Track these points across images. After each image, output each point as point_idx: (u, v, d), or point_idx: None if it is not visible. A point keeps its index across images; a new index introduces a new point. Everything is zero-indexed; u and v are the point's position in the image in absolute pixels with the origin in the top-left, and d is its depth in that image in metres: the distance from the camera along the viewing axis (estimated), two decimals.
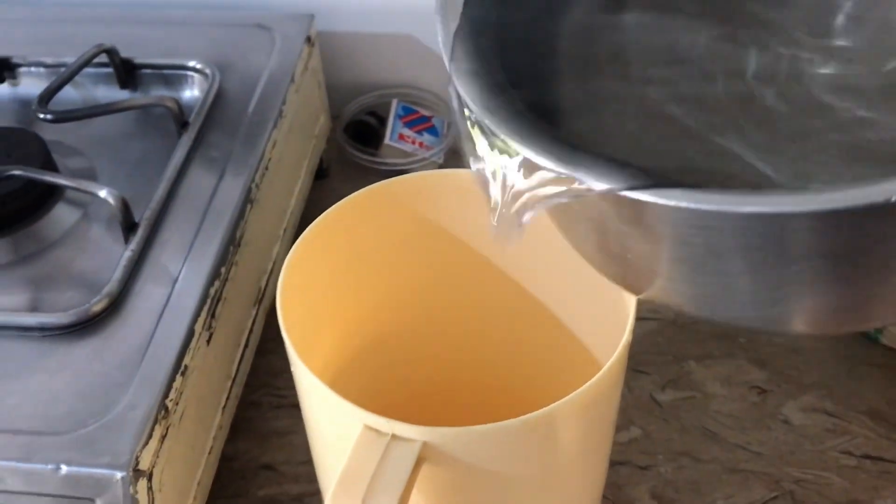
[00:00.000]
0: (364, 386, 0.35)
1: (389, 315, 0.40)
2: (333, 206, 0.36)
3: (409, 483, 0.27)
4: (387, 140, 0.62)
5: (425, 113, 0.64)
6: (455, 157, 0.64)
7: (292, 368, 0.33)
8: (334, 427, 0.31)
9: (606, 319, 0.36)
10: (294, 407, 0.50)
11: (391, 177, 0.63)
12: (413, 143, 0.62)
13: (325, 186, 0.62)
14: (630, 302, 0.32)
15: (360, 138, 0.63)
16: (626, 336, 0.30)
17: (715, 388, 0.50)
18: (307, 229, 0.36)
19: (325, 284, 0.37)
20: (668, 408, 0.49)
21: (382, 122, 0.64)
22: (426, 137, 0.63)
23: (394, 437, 0.27)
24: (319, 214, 0.60)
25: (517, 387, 0.39)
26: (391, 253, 0.39)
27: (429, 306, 0.39)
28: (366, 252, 0.38)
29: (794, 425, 0.48)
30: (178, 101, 0.49)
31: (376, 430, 0.28)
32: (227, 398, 0.45)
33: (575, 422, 0.30)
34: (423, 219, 0.37)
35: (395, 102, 0.64)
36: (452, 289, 0.37)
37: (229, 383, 0.45)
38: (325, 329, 0.38)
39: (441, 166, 0.63)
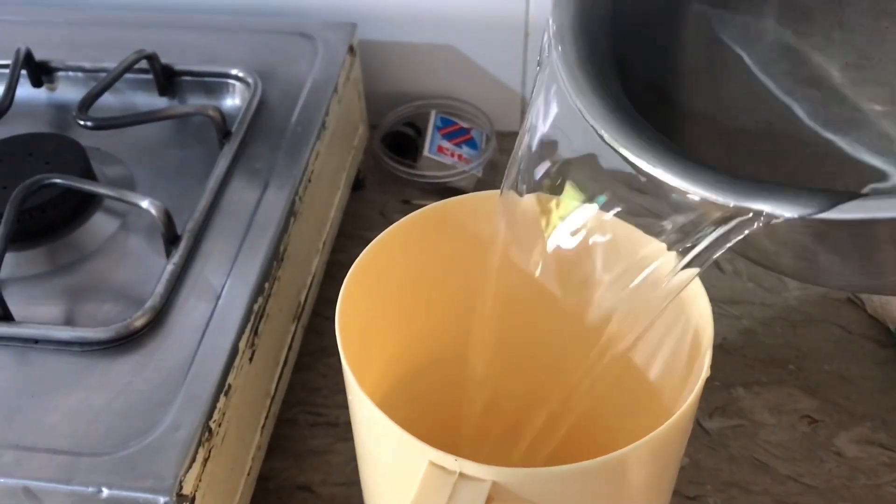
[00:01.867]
0: (411, 411, 0.34)
1: (440, 339, 0.39)
2: (391, 227, 0.35)
3: None
4: (426, 152, 0.61)
5: (464, 125, 0.63)
6: (494, 170, 0.62)
7: (349, 396, 0.31)
8: (394, 460, 0.29)
9: (669, 349, 0.34)
10: (331, 425, 0.49)
11: (430, 190, 0.63)
12: (452, 155, 0.61)
13: (361, 198, 0.61)
14: (705, 335, 0.30)
15: (398, 149, 0.62)
16: (704, 372, 0.29)
17: (764, 417, 0.49)
18: (364, 251, 0.34)
19: (379, 306, 0.36)
20: (716, 436, 0.48)
21: (420, 133, 0.63)
22: (465, 150, 0.62)
23: (461, 475, 0.26)
24: (356, 227, 0.60)
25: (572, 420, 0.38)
26: (447, 275, 0.37)
27: (491, 328, 0.38)
28: (421, 273, 0.37)
29: (848, 458, 0.47)
30: (220, 111, 0.48)
31: (442, 468, 0.26)
32: (266, 417, 0.44)
33: (649, 462, 0.29)
34: (482, 241, 0.36)
35: (433, 114, 0.63)
36: (509, 313, 0.36)
37: (268, 401, 0.44)
38: (375, 351, 0.37)
39: (480, 180, 0.62)
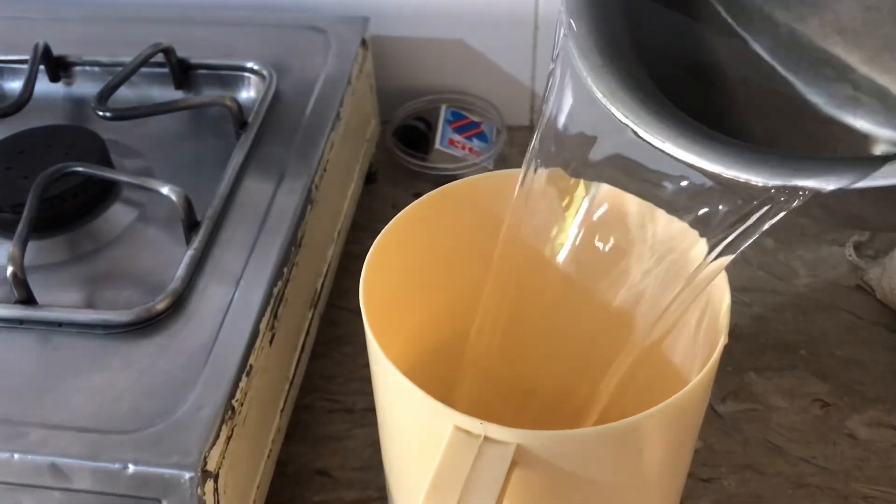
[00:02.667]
0: (433, 386, 0.34)
1: (461, 316, 0.39)
2: (413, 203, 0.35)
3: (503, 487, 0.26)
4: (437, 145, 0.62)
5: (475, 119, 0.64)
6: (505, 163, 0.63)
7: (373, 367, 0.32)
8: (418, 427, 0.30)
9: (688, 329, 0.35)
10: (348, 411, 0.50)
11: (441, 182, 0.63)
12: (463, 148, 0.62)
13: (374, 191, 0.62)
14: (722, 305, 0.31)
15: (409, 143, 0.63)
16: (722, 339, 0.29)
17: (777, 401, 0.49)
18: (386, 227, 0.35)
19: (401, 282, 0.37)
20: (730, 420, 0.48)
21: (430, 127, 0.64)
22: (476, 143, 0.63)
23: (486, 439, 0.27)
24: (369, 219, 0.60)
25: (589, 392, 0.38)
26: (467, 252, 0.38)
27: (502, 307, 0.38)
28: (442, 249, 0.38)
29: (860, 440, 0.47)
30: (237, 101, 0.49)
31: (467, 432, 0.27)
32: (285, 401, 0.44)
33: (669, 427, 0.29)
34: (502, 219, 0.36)
35: (444, 108, 0.64)
36: (526, 290, 0.37)
37: (287, 386, 0.45)
38: (397, 326, 0.37)
39: None
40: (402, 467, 0.34)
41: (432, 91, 0.65)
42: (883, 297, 0.53)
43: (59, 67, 0.55)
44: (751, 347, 0.52)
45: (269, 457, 0.42)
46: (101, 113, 0.48)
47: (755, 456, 0.47)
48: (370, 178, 0.61)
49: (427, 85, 0.65)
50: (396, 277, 0.36)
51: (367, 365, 0.51)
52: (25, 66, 0.53)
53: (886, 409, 0.48)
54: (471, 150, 0.62)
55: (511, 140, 0.64)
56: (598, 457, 0.28)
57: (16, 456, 0.35)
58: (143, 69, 0.53)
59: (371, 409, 0.49)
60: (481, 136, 0.63)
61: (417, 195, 0.62)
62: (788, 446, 0.47)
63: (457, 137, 0.62)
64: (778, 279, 0.55)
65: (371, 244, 0.35)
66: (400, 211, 0.36)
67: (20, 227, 0.41)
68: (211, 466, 0.35)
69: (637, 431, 0.28)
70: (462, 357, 0.40)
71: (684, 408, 0.29)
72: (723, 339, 0.29)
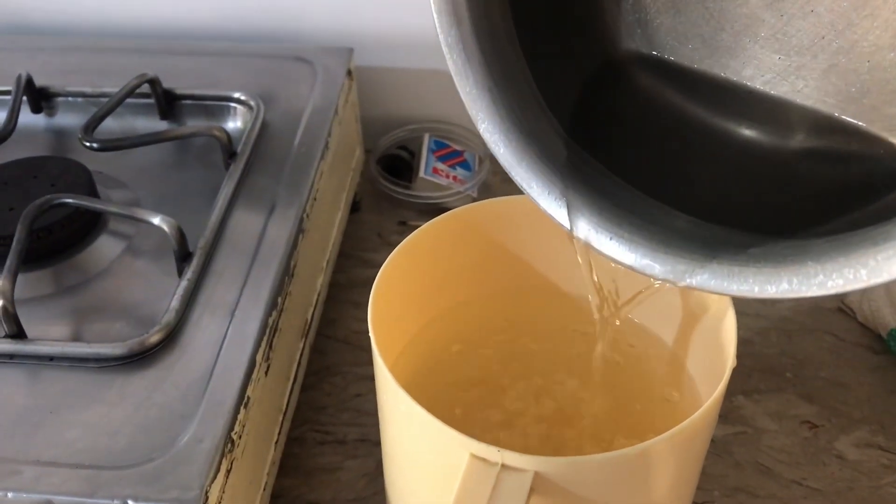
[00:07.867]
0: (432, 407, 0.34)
1: (458, 338, 0.39)
2: (415, 232, 0.35)
3: None
4: (421, 174, 0.62)
5: (457, 147, 0.64)
6: (488, 191, 0.63)
7: (382, 395, 0.32)
8: (432, 455, 0.30)
9: (696, 355, 0.35)
10: (339, 443, 0.49)
11: (425, 210, 0.64)
12: (447, 176, 0.62)
13: (358, 220, 0.61)
14: (729, 331, 0.31)
15: (392, 172, 0.63)
16: (731, 361, 0.29)
17: (766, 423, 0.50)
18: (393, 252, 0.35)
19: (404, 307, 0.37)
20: (720, 443, 0.49)
21: (413, 156, 0.64)
22: (459, 171, 0.63)
23: (504, 466, 0.27)
24: (355, 248, 0.60)
25: (591, 414, 0.38)
26: (470, 277, 0.38)
27: (501, 330, 0.39)
28: (445, 276, 0.38)
29: (849, 461, 0.48)
30: (226, 131, 0.49)
31: (484, 460, 0.27)
32: (279, 433, 0.44)
33: (685, 448, 0.29)
34: (506, 244, 0.36)
35: (427, 137, 0.64)
36: (528, 313, 0.37)
37: (280, 417, 0.44)
38: (396, 349, 0.37)
39: (474, 200, 0.63)
40: (412, 496, 0.33)
41: (415, 120, 0.65)
42: (864, 320, 0.54)
43: (41, 98, 0.54)
44: (738, 370, 0.51)
45: (264, 490, 0.42)
46: (88, 144, 0.48)
47: (747, 478, 0.47)
48: (355, 207, 0.61)
49: (409, 114, 0.66)
50: (398, 306, 0.36)
51: (358, 394, 0.51)
52: (8, 98, 0.52)
53: (873, 430, 0.49)
54: (455, 178, 0.62)
55: (494, 168, 0.64)
56: (614, 482, 0.28)
57: (9, 495, 0.34)
58: (128, 100, 0.52)
59: (363, 440, 0.49)
60: (464, 165, 0.63)
61: (402, 223, 0.63)
62: (779, 468, 0.47)
63: (441, 166, 0.63)
64: (761, 303, 0.56)
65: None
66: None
67: (9, 260, 0.41)
68: (212, 501, 0.35)
69: (652, 456, 0.28)
70: (460, 373, 0.40)
71: (697, 430, 0.29)
72: (731, 362, 0.30)
